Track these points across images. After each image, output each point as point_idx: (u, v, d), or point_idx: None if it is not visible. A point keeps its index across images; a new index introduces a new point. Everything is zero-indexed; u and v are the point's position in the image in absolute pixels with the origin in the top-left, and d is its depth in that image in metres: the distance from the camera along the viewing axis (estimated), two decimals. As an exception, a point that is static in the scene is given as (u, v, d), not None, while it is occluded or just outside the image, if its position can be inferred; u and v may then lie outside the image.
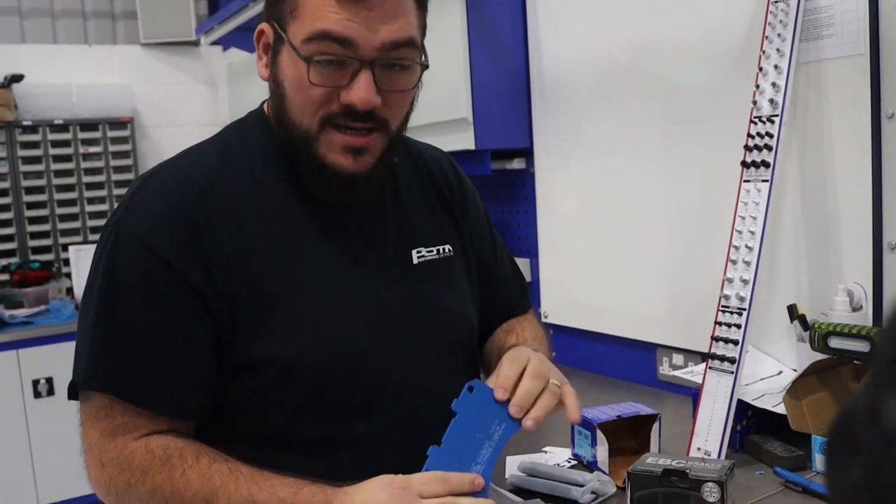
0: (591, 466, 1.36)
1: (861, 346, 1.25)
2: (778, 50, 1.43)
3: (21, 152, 3.59)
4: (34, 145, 3.62)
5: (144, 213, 0.98)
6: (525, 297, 1.34)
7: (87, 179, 3.73)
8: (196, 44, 3.98)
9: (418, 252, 1.13)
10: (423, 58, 1.02)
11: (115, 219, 1.00)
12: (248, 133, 1.09)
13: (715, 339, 1.38)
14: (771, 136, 1.40)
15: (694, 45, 1.68)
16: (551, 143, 2.07)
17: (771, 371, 1.54)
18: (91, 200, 3.75)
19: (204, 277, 0.97)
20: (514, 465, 1.35)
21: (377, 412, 1.04)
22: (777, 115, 1.40)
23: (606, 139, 1.91)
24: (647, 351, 1.88)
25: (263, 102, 1.11)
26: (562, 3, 1.98)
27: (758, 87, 1.44)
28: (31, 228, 3.63)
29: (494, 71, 2.05)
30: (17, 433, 3.04)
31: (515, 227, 2.24)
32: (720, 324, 1.37)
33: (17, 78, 3.55)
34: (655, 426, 1.33)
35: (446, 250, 1.16)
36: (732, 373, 1.34)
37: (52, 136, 3.64)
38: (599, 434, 1.32)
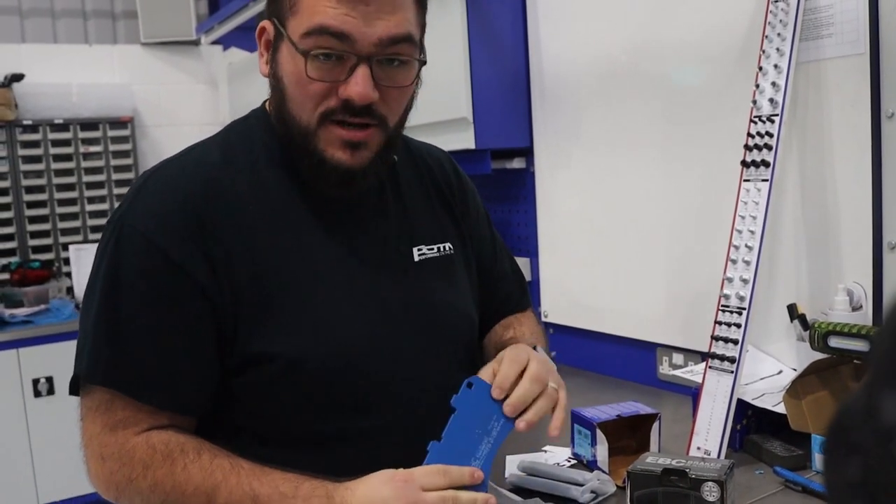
0: (590, 466, 1.36)
1: (861, 346, 1.25)
2: (778, 49, 1.43)
3: (21, 152, 3.59)
4: (34, 145, 3.62)
5: (148, 210, 0.99)
6: (524, 295, 1.34)
7: (87, 179, 3.73)
8: (196, 43, 3.98)
9: (419, 249, 1.13)
10: (421, 54, 1.03)
11: (119, 215, 1.01)
12: (250, 131, 1.10)
13: (715, 338, 1.38)
14: (771, 135, 1.40)
15: (694, 45, 1.68)
16: (551, 143, 2.07)
17: (771, 370, 1.54)
18: (91, 200, 3.76)
19: (207, 274, 0.98)
20: (513, 465, 1.35)
21: (378, 409, 1.05)
22: (777, 115, 1.40)
23: (606, 139, 1.91)
24: (647, 350, 1.88)
25: (265, 101, 1.12)
26: (562, 3, 1.98)
27: (758, 86, 1.44)
28: (31, 228, 3.63)
29: (494, 70, 2.05)
30: (17, 432, 3.04)
31: (515, 227, 2.24)
32: (720, 323, 1.37)
33: (18, 77, 3.55)
34: (655, 425, 1.33)
35: (447, 248, 1.17)
36: (732, 372, 1.34)
37: (52, 136, 3.64)
38: (599, 433, 1.32)
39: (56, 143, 3.65)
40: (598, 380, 1.98)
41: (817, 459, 1.29)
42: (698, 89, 1.69)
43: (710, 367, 1.37)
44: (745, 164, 1.42)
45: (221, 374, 1.01)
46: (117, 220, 1.00)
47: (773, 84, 1.42)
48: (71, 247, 3.47)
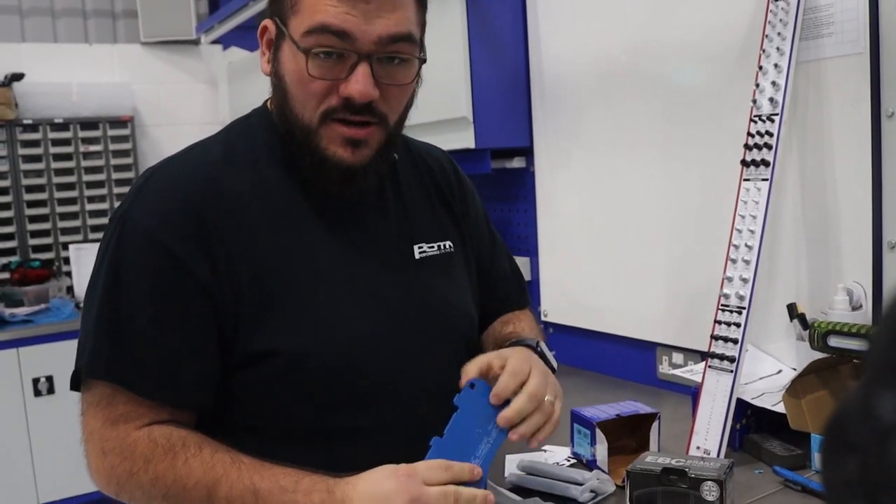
0: (590, 465, 1.36)
1: (861, 345, 1.25)
2: (778, 49, 1.43)
3: (21, 151, 3.59)
4: (34, 144, 3.62)
5: (150, 208, 1.00)
6: (523, 295, 1.34)
7: (87, 178, 3.73)
8: (196, 42, 3.98)
9: (420, 248, 1.14)
10: (421, 53, 1.03)
11: (121, 212, 1.01)
12: (251, 129, 1.10)
13: (714, 337, 1.38)
14: (771, 134, 1.40)
15: (694, 45, 1.68)
16: (551, 143, 2.07)
17: (770, 370, 1.54)
18: (91, 199, 3.76)
19: (208, 272, 0.98)
20: (513, 464, 1.35)
21: (378, 406, 1.05)
22: (777, 114, 1.40)
23: (606, 139, 1.91)
24: (647, 350, 1.88)
25: (267, 100, 1.12)
26: (562, 3, 1.98)
27: (758, 85, 1.44)
28: (31, 227, 3.63)
29: (494, 70, 2.05)
30: (17, 432, 3.04)
31: (515, 227, 2.24)
32: (720, 322, 1.37)
33: (18, 77, 3.55)
34: (655, 425, 1.33)
35: (447, 246, 1.17)
36: (732, 371, 1.34)
37: (52, 135, 3.64)
38: (599, 433, 1.32)
39: (56, 143, 3.65)
40: (598, 379, 1.98)
41: (816, 459, 1.29)
42: (698, 89, 1.69)
43: (709, 367, 1.37)
44: (744, 163, 1.42)
45: (222, 371, 1.01)
46: (119, 218, 1.00)
47: (773, 83, 1.42)
48: (71, 246, 3.47)
